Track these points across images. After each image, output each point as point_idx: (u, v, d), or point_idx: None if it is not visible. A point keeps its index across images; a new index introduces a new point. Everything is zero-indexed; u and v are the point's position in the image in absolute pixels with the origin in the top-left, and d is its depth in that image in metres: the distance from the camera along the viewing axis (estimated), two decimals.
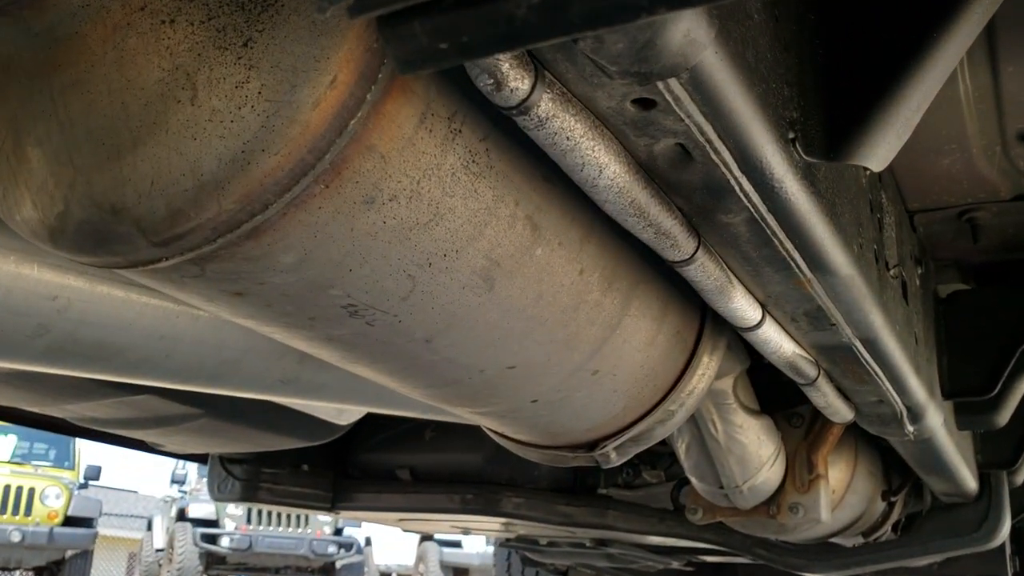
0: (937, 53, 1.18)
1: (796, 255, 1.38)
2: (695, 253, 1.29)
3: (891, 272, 1.84)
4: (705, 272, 1.36)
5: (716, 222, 1.28)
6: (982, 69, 2.06)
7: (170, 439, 3.43)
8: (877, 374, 1.96)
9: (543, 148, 1.05)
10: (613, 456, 1.91)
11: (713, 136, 1.04)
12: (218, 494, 4.09)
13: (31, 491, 15.92)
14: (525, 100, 0.95)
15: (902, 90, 1.18)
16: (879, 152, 1.22)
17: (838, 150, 1.20)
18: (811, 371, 1.90)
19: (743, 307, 1.54)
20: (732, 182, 1.14)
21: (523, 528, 4.25)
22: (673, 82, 0.94)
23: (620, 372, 1.70)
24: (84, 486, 17.90)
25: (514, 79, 0.93)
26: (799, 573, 4.15)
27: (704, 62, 0.93)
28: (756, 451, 3.01)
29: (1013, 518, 5.79)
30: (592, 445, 1.93)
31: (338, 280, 1.08)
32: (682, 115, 0.99)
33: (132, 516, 33.34)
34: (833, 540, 3.94)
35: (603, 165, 1.08)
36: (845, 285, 1.54)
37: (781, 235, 1.31)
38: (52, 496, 16.05)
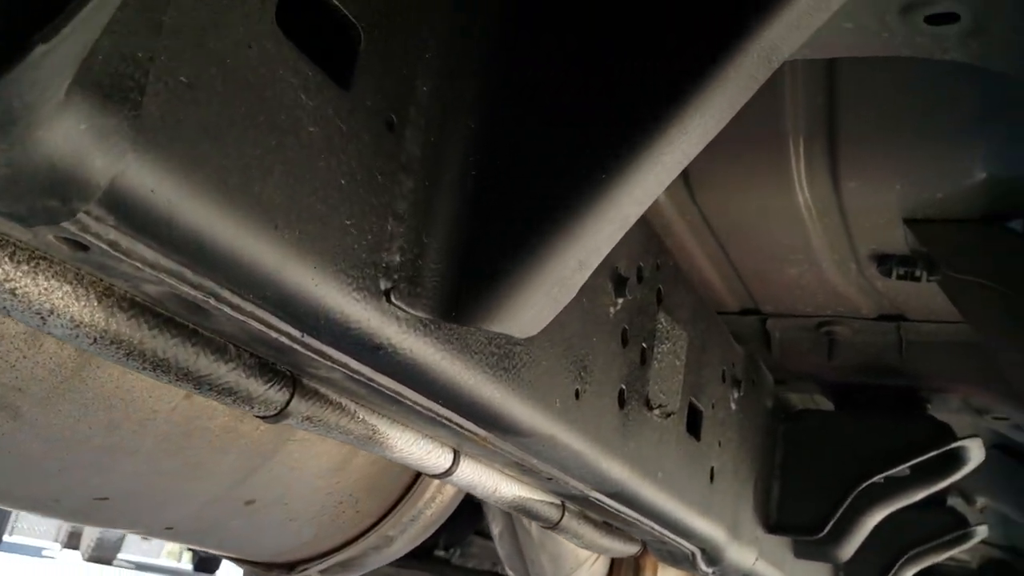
0: (604, 199, 0.88)
1: (446, 414, 1.09)
2: (284, 408, 0.99)
3: (655, 412, 1.55)
4: (324, 425, 1.06)
5: (315, 376, 0.99)
6: (823, 182, 1.78)
7: None
8: (640, 520, 1.67)
9: None
10: None
11: (212, 285, 0.75)
12: None
13: None
14: None
15: (554, 244, 0.89)
16: (523, 317, 0.92)
17: (467, 309, 0.90)
18: (551, 514, 1.61)
19: (419, 456, 1.24)
20: (279, 337, 0.84)
21: None
22: (94, 218, 0.64)
23: (293, 501, 1.40)
24: None
25: None
26: None
27: (135, 181, 0.64)
28: (573, 549, 2.72)
29: None
30: (290, 567, 1.65)
31: None
32: (132, 260, 0.70)
33: None
34: None
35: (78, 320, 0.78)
36: (547, 444, 1.24)
37: (411, 395, 1.02)
38: None
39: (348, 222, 0.82)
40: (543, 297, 0.93)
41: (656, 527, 1.74)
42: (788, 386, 2.65)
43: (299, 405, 1.00)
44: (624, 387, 1.44)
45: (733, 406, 2.03)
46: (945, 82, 1.56)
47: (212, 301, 0.77)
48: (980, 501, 3.51)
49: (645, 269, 1.51)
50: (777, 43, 0.84)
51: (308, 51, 0.77)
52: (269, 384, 0.96)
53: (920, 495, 2.49)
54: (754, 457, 2.19)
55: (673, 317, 1.64)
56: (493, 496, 1.44)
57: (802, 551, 2.59)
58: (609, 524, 1.87)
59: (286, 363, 0.97)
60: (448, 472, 1.31)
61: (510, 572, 2.86)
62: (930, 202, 1.74)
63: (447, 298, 0.91)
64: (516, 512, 1.55)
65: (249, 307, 0.79)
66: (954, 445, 2.24)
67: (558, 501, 1.63)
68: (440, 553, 3.69)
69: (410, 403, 1.03)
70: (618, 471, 1.43)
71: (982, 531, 3.35)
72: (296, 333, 0.85)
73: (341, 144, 0.81)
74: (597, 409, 1.34)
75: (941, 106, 1.61)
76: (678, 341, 1.67)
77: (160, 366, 0.86)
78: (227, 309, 0.79)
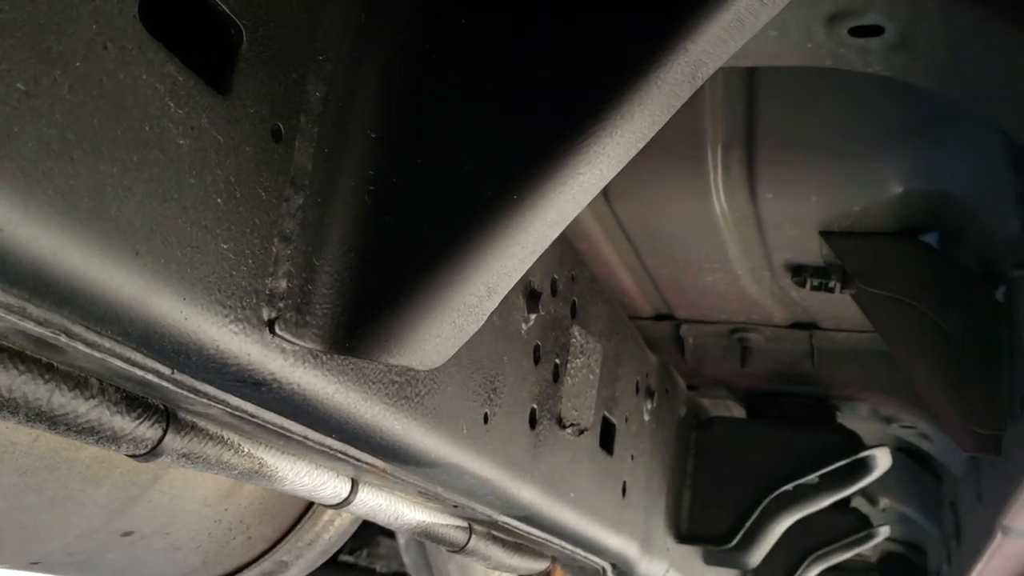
0: (516, 222, 0.81)
1: (341, 448, 1.00)
2: (157, 445, 0.89)
3: (568, 431, 1.49)
4: (204, 462, 0.96)
5: (192, 411, 0.89)
6: (740, 191, 1.75)
7: None
8: (550, 541, 1.61)
9: None
10: None
11: (60, 320, 0.65)
12: None
13: None
14: None
15: (461, 269, 0.81)
16: (425, 348, 0.84)
17: (362, 340, 0.82)
18: (457, 538, 1.53)
19: (312, 488, 1.15)
20: (145, 375, 0.75)
21: None
22: None
23: (177, 530, 1.29)
24: None
25: None
26: None
27: None
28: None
29: None
30: None
31: None
32: None
33: None
34: None
35: None
36: (453, 473, 1.16)
37: (301, 430, 0.93)
38: None
39: (225, 246, 0.73)
40: (448, 326, 0.84)
41: (567, 546, 1.68)
42: (701, 392, 2.62)
43: (174, 441, 0.90)
44: (536, 406, 1.37)
45: (646, 417, 1.99)
46: (865, 95, 1.54)
47: (63, 338, 0.67)
48: (883, 502, 3.57)
49: (559, 281, 1.45)
50: (703, 58, 0.77)
51: (179, 52, 0.67)
52: (139, 420, 0.86)
53: (828, 501, 2.50)
54: (666, 467, 2.16)
55: (587, 330, 1.58)
56: (396, 523, 1.36)
57: (712, 559, 2.57)
58: (518, 544, 1.81)
59: (158, 397, 0.87)
60: (345, 502, 1.22)
61: None
62: (846, 215, 1.72)
63: (340, 328, 0.82)
64: (422, 538, 1.47)
65: (108, 343, 0.69)
66: (863, 454, 2.25)
67: (465, 524, 1.55)
68: (346, 558, 3.58)
69: (299, 438, 0.94)
70: (528, 495, 1.37)
71: (884, 531, 3.41)
72: (165, 370, 0.75)
73: (217, 158, 0.71)
74: (507, 432, 1.27)
75: (860, 119, 1.58)
76: (592, 355, 1.61)
77: (6, 406, 0.75)
78: (81, 346, 0.69)
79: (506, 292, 0.87)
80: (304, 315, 0.80)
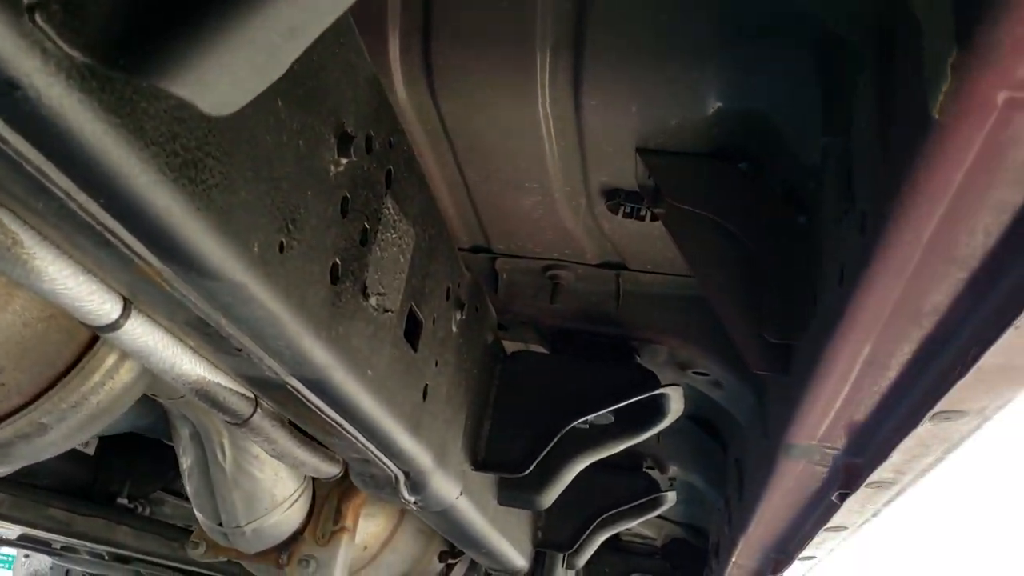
0: None
1: (109, 223, 0.89)
2: None
3: (372, 302, 1.42)
4: None
5: None
6: (565, 96, 1.74)
7: None
8: (342, 427, 1.53)
9: None
10: None
11: None
12: None
13: None
14: None
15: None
16: (216, 85, 0.75)
17: (142, 57, 0.72)
18: (241, 408, 1.43)
19: (79, 296, 1.03)
20: None
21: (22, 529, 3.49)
22: None
23: None
24: None
25: None
26: None
27: None
28: (271, 489, 2.52)
29: None
30: None
31: None
32: None
33: None
34: None
35: None
36: (239, 295, 1.07)
37: (60, 180, 0.82)
38: None
39: None
40: (243, 64, 0.76)
41: (360, 438, 1.60)
42: (511, 334, 2.62)
43: None
44: (339, 262, 1.29)
45: (454, 328, 1.95)
46: None
47: None
48: (672, 470, 3.71)
49: (376, 140, 1.38)
50: None
51: None
52: None
53: (623, 445, 2.55)
54: (469, 388, 2.13)
55: (401, 208, 1.52)
56: (172, 372, 1.24)
57: (505, 498, 2.57)
58: (309, 440, 1.72)
59: None
60: (115, 325, 1.10)
61: (198, 512, 2.61)
62: (663, 130, 1.75)
63: (117, 38, 0.72)
64: (201, 401, 1.35)
65: None
66: (657, 392, 2.30)
67: (251, 394, 1.45)
68: (123, 502, 3.33)
69: (59, 192, 0.83)
70: (322, 355, 1.29)
71: (671, 497, 3.53)
72: None
73: None
74: (304, 273, 1.19)
75: (683, 24, 1.61)
76: (404, 236, 1.55)
77: None
78: None
79: (309, 40, 0.79)
80: (73, 14, 0.70)
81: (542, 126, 1.82)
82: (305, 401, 1.40)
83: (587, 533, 3.42)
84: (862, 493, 1.77)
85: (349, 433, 1.56)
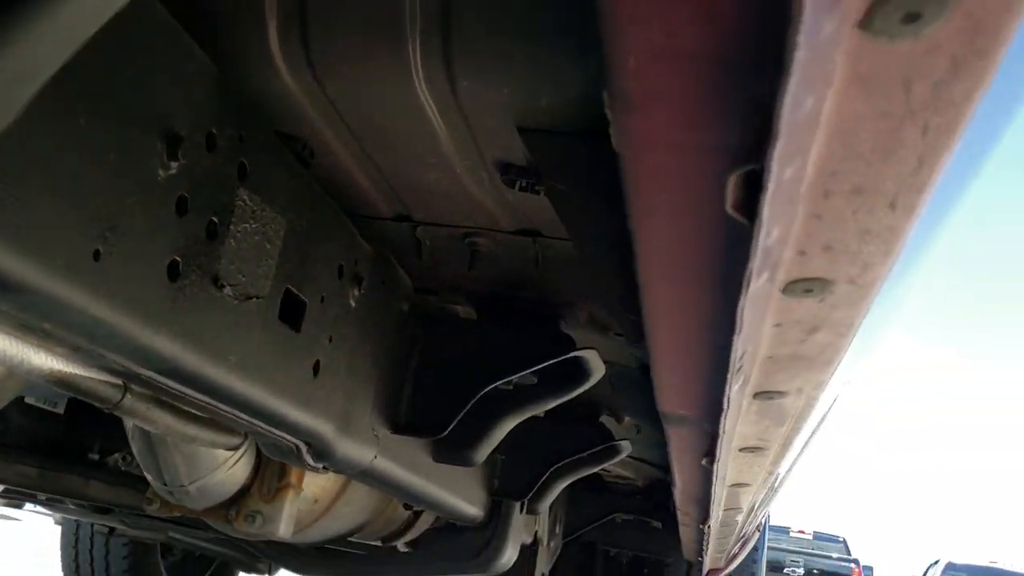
0: None
1: None
2: None
3: (227, 291, 1.49)
4: None
5: None
6: (439, 76, 1.77)
7: None
8: (218, 407, 1.62)
9: None
10: None
11: None
12: None
13: None
14: None
15: None
16: None
17: None
18: (109, 394, 1.52)
19: None
20: None
21: None
22: None
23: None
24: None
25: None
26: None
27: None
28: (210, 449, 2.63)
29: (573, 534, 5.94)
30: None
31: None
32: None
33: None
34: (354, 539, 3.69)
35: None
36: (52, 305, 1.14)
37: None
38: None
39: None
40: None
41: (242, 415, 1.69)
42: (441, 298, 2.68)
43: None
44: (179, 259, 1.36)
45: (353, 303, 2.02)
46: None
47: None
48: (627, 420, 3.79)
49: (220, 138, 1.44)
50: None
51: None
52: None
53: (549, 404, 2.62)
54: (379, 357, 2.20)
55: (263, 198, 1.58)
56: (23, 367, 1.32)
57: (439, 455, 2.66)
58: (197, 416, 1.81)
59: None
60: None
61: (146, 473, 2.74)
62: (536, 110, 1.78)
63: None
64: (63, 390, 1.44)
65: None
66: (571, 355, 2.37)
67: (119, 381, 1.54)
68: (94, 457, 3.48)
69: None
70: (168, 347, 1.36)
71: (626, 446, 3.62)
72: None
73: None
74: (132, 276, 1.26)
75: (544, 6, 1.62)
76: (269, 224, 1.61)
77: None
78: None
79: (40, 83, 0.85)
80: None
81: (425, 107, 1.85)
82: (168, 387, 1.48)
83: (542, 481, 3.53)
84: (737, 458, 1.83)
85: (228, 412, 1.65)
